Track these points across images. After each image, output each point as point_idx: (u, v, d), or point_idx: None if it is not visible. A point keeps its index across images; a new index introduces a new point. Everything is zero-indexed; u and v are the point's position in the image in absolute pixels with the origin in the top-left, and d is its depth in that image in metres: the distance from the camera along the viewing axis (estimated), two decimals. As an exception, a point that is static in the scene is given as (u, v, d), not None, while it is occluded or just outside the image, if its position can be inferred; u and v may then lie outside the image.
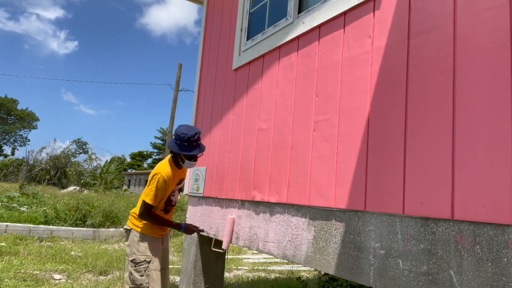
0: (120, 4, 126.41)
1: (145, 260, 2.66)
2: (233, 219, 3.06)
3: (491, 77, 1.48)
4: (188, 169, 4.16)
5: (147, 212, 2.68)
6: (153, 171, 2.77)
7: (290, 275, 5.95)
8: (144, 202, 2.67)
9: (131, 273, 2.68)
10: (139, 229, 2.73)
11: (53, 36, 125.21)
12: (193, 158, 2.77)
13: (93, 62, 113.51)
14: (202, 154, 2.79)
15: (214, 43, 4.11)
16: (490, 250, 1.40)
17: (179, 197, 2.90)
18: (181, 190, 3.06)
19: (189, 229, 2.95)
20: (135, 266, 2.66)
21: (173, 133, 2.47)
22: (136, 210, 2.79)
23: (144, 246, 2.70)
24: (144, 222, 2.73)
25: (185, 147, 2.68)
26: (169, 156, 2.87)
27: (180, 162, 2.79)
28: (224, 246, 3.05)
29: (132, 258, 2.69)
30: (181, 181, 2.97)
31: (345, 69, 2.22)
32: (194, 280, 3.65)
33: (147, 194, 2.67)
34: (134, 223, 2.79)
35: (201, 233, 3.07)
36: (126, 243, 2.82)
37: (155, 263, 2.69)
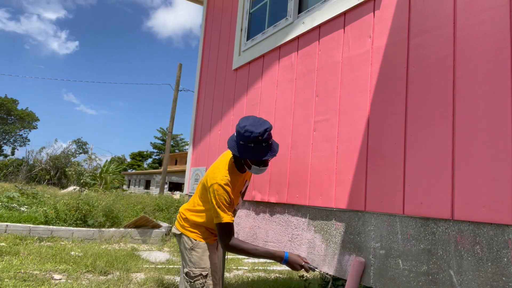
0: (128, 7, 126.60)
1: (201, 274, 2.16)
2: (363, 265, 1.91)
3: (491, 77, 1.48)
4: (188, 169, 4.16)
5: (230, 235, 2.05)
6: (207, 176, 2.17)
7: (290, 275, 5.95)
8: (219, 226, 2.05)
9: None
10: (190, 234, 2.22)
11: (54, 36, 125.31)
12: (262, 163, 2.08)
13: (94, 63, 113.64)
14: (275, 155, 2.09)
15: (214, 43, 4.11)
16: (490, 250, 1.40)
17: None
18: (243, 195, 2.39)
19: (295, 263, 2.06)
20: (190, 282, 2.17)
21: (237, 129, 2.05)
22: (186, 211, 2.29)
23: (197, 255, 2.18)
24: (197, 227, 2.23)
25: (251, 149, 2.00)
26: (227, 155, 2.25)
27: (246, 167, 2.15)
28: None
29: (186, 270, 2.20)
30: (246, 184, 2.37)
31: (345, 69, 2.22)
32: (194, 280, 3.65)
33: (215, 215, 2.05)
34: (183, 225, 2.27)
35: (315, 271, 2.14)
36: (180, 247, 2.32)
37: (214, 276, 2.20)
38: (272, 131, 2.19)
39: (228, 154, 2.24)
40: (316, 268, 2.09)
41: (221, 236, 2.06)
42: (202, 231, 2.22)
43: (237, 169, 2.19)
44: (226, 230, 2.04)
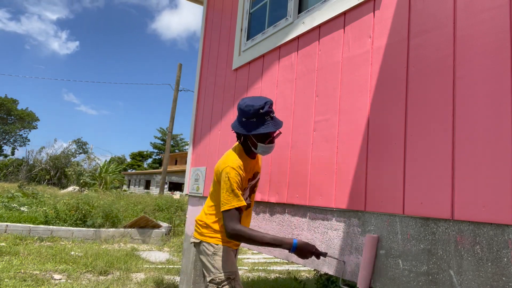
0: (133, 9, 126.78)
1: (228, 278, 2.02)
2: (376, 239, 1.84)
3: (491, 77, 1.48)
4: (188, 169, 4.16)
5: (233, 224, 1.93)
6: (218, 167, 2.10)
7: (290, 275, 5.95)
8: (225, 213, 1.95)
9: None
10: (210, 239, 2.10)
11: (54, 37, 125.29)
12: (268, 139, 2.03)
13: (94, 63, 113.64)
14: (280, 132, 2.08)
15: (214, 43, 4.11)
16: (490, 250, 1.40)
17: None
18: (255, 187, 2.28)
19: (305, 250, 1.92)
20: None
21: (239, 108, 2.06)
22: (202, 217, 2.19)
23: (221, 259, 2.05)
24: (218, 231, 2.10)
25: (254, 124, 1.98)
26: (235, 145, 2.21)
27: (252, 148, 2.08)
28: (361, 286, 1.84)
29: (210, 278, 2.04)
30: (256, 175, 2.25)
31: (345, 69, 2.22)
32: (194, 280, 3.65)
33: (224, 201, 1.96)
34: (201, 233, 2.15)
35: (326, 257, 1.98)
36: (200, 256, 2.16)
37: (238, 279, 2.09)
38: None
39: (236, 146, 2.19)
40: (326, 253, 1.95)
41: (228, 223, 1.93)
42: (222, 234, 2.08)
43: (246, 154, 2.13)
44: (233, 216, 1.93)
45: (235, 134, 3.34)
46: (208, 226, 2.13)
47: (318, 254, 1.94)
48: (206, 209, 2.19)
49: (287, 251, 1.93)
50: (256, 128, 1.98)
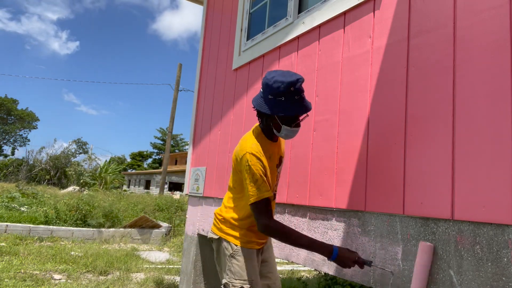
0: (135, 9, 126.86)
1: (242, 287, 1.81)
2: (431, 249, 1.60)
3: (491, 77, 1.48)
4: (188, 169, 4.16)
5: (265, 219, 1.72)
6: (236, 153, 1.87)
7: (290, 275, 5.95)
8: (254, 207, 1.74)
9: None
10: (231, 238, 1.87)
11: (54, 37, 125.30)
12: (295, 122, 1.77)
13: (94, 63, 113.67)
14: (307, 114, 1.81)
15: (214, 43, 4.11)
16: (490, 250, 1.40)
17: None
18: (279, 175, 2.03)
19: (347, 258, 1.69)
20: None
21: (265, 83, 1.71)
22: (222, 211, 1.97)
23: (238, 264, 1.83)
24: (237, 227, 1.87)
25: (281, 104, 1.69)
26: (254, 126, 1.94)
27: (275, 131, 1.81)
28: None
29: (224, 281, 1.87)
30: (281, 161, 1.98)
31: (345, 69, 2.22)
32: (194, 280, 3.65)
33: (250, 194, 1.73)
34: (221, 228, 1.92)
35: (371, 266, 1.73)
36: (217, 253, 1.96)
37: (256, 284, 1.85)
38: None
39: (256, 127, 1.92)
40: (372, 262, 1.71)
41: (259, 216, 1.72)
42: (243, 233, 1.86)
43: (267, 136, 1.85)
44: (264, 208, 1.72)
45: (235, 135, 3.36)
46: (226, 221, 1.90)
47: (362, 263, 1.70)
48: (226, 201, 1.98)
49: (326, 258, 1.73)
50: (283, 108, 1.69)
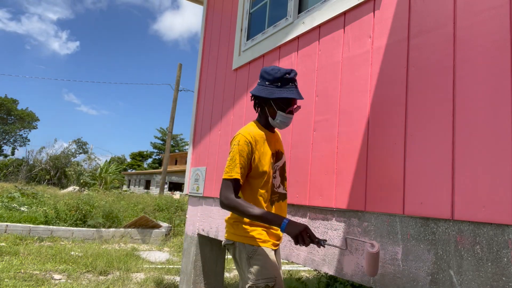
0: (136, 10, 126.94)
1: (267, 285, 1.75)
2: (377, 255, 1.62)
3: (491, 77, 1.48)
4: (188, 169, 4.16)
5: (227, 193, 1.77)
6: (233, 137, 1.93)
7: (290, 275, 5.95)
8: (223, 181, 1.81)
9: None
10: (246, 240, 1.83)
11: (54, 37, 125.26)
12: (289, 108, 1.88)
13: (95, 63, 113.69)
14: (299, 106, 1.93)
15: (214, 43, 4.11)
16: (490, 250, 1.40)
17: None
18: (285, 173, 2.03)
19: (295, 228, 1.68)
20: None
21: (261, 72, 1.94)
22: (230, 214, 1.93)
23: (259, 263, 1.78)
24: (252, 227, 1.85)
25: (277, 88, 1.84)
26: (250, 122, 2.01)
27: (270, 119, 1.91)
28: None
29: (248, 285, 1.78)
30: (280, 155, 2.01)
31: (345, 69, 2.22)
32: (194, 280, 3.65)
33: (226, 169, 1.82)
34: (236, 233, 1.87)
35: (325, 245, 1.69)
36: (235, 259, 1.92)
37: (279, 282, 1.81)
38: None
39: (254, 121, 2.01)
40: (326, 240, 1.68)
41: (223, 190, 1.79)
42: (258, 232, 1.84)
43: (263, 126, 1.95)
44: (227, 187, 1.78)
45: (235, 134, 3.35)
46: (239, 221, 1.86)
47: (316, 241, 1.67)
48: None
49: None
50: (279, 92, 1.83)
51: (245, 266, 1.82)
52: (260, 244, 1.83)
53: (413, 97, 1.78)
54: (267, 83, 1.87)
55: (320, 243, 1.66)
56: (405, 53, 1.86)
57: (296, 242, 1.68)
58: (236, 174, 1.78)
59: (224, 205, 1.79)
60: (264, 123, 1.95)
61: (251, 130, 1.87)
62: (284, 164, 2.03)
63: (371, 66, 2.04)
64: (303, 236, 1.66)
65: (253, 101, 1.98)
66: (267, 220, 1.75)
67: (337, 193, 2.11)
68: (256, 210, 1.74)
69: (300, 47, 2.67)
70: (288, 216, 2.50)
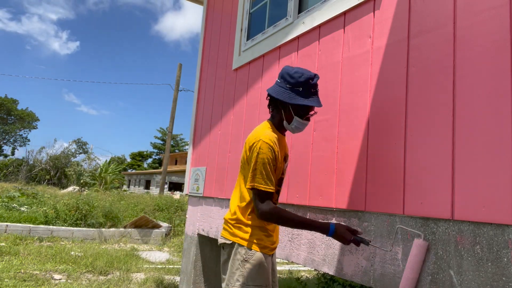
0: (137, 10, 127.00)
1: None
2: (425, 249, 1.64)
3: (491, 77, 1.48)
4: (188, 169, 4.16)
5: (268, 205, 1.69)
6: (249, 140, 1.81)
7: (290, 275, 5.95)
8: (256, 192, 1.70)
9: None
10: (244, 242, 1.78)
11: (54, 37, 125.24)
12: (307, 114, 1.82)
13: (95, 63, 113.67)
14: (315, 111, 1.90)
15: (214, 43, 4.11)
16: (490, 250, 1.40)
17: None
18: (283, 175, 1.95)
19: (342, 233, 1.70)
20: None
21: (284, 75, 1.81)
22: (236, 211, 1.86)
23: (252, 269, 1.75)
24: (249, 224, 1.81)
25: (298, 93, 1.75)
26: (264, 122, 1.92)
27: (285, 123, 1.83)
28: None
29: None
30: (287, 157, 1.96)
31: (345, 69, 2.22)
32: (194, 280, 3.65)
33: (253, 179, 1.70)
34: (235, 234, 1.82)
35: (368, 245, 1.75)
36: (222, 259, 1.90)
37: None
38: None
39: (266, 122, 1.92)
40: (370, 241, 1.72)
41: (258, 203, 1.69)
42: (258, 235, 1.80)
43: (277, 129, 1.86)
44: (263, 198, 1.69)
45: (235, 135, 3.36)
46: (241, 223, 1.82)
47: (360, 241, 1.70)
48: (238, 200, 1.87)
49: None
50: (301, 99, 1.74)
51: (236, 268, 1.77)
52: (259, 249, 1.78)
53: (413, 97, 1.78)
54: (288, 86, 1.77)
55: (364, 242, 1.70)
56: (405, 53, 1.86)
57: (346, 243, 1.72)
58: (269, 186, 1.70)
59: (267, 216, 1.70)
60: (277, 125, 1.87)
61: (268, 133, 1.77)
62: (287, 165, 2.01)
63: (371, 66, 2.04)
64: (348, 241, 1.70)
65: (268, 100, 1.89)
66: (314, 227, 1.73)
67: (337, 193, 2.11)
68: (302, 221, 1.74)
69: (300, 47, 2.67)
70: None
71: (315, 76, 1.78)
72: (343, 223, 1.83)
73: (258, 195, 1.70)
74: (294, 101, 1.75)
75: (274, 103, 1.86)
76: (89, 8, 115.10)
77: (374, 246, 1.81)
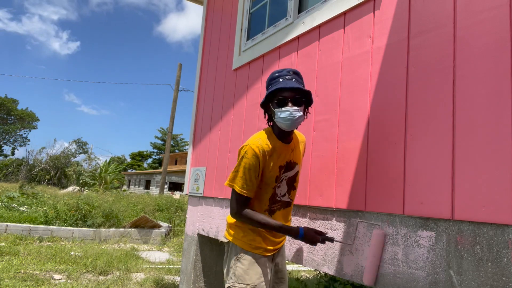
0: (140, 11, 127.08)
1: None
2: (383, 237, 1.82)
3: (491, 77, 1.48)
4: (188, 169, 4.16)
5: (239, 207, 1.80)
6: (243, 144, 1.89)
7: (289, 275, 5.95)
8: (233, 193, 1.83)
9: None
10: (239, 242, 1.88)
11: (55, 37, 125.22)
12: (282, 102, 1.77)
13: (95, 63, 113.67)
14: (296, 97, 1.80)
15: (214, 43, 4.11)
16: (490, 250, 1.40)
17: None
18: (294, 182, 2.00)
19: (310, 236, 1.84)
20: None
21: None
22: (229, 215, 1.97)
23: (242, 268, 1.82)
24: (240, 225, 1.90)
25: (268, 89, 1.84)
26: (262, 130, 1.95)
27: (274, 120, 1.85)
28: (367, 282, 1.81)
29: (227, 285, 1.86)
30: (292, 165, 1.94)
31: (345, 69, 2.22)
32: (194, 280, 3.65)
33: (233, 179, 1.81)
34: (230, 233, 1.94)
35: (334, 242, 1.95)
36: (224, 255, 2.03)
37: None
38: None
39: (268, 128, 1.95)
40: (334, 238, 1.91)
41: (232, 207, 1.83)
42: (252, 237, 1.86)
43: (277, 136, 1.87)
44: (238, 200, 1.80)
45: (235, 135, 3.36)
46: (235, 223, 1.92)
47: (325, 239, 1.89)
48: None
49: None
50: (269, 89, 1.82)
51: (230, 266, 1.88)
52: (251, 250, 1.86)
53: (413, 97, 1.78)
54: (266, 89, 1.87)
55: (329, 240, 1.90)
56: (405, 53, 1.86)
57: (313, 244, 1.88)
58: (244, 191, 1.79)
59: (238, 217, 1.84)
60: (277, 132, 1.88)
61: (259, 141, 1.80)
62: (296, 174, 1.99)
63: (371, 66, 2.04)
64: (316, 242, 1.86)
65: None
66: (284, 230, 1.84)
67: (337, 193, 2.11)
68: (271, 225, 1.82)
69: (300, 47, 2.67)
70: (288, 216, 2.50)
71: (284, 69, 1.85)
72: (310, 227, 2.02)
73: (234, 196, 1.83)
74: (266, 95, 1.84)
75: (265, 112, 1.94)
76: (92, 9, 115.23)
77: (338, 242, 2.00)
